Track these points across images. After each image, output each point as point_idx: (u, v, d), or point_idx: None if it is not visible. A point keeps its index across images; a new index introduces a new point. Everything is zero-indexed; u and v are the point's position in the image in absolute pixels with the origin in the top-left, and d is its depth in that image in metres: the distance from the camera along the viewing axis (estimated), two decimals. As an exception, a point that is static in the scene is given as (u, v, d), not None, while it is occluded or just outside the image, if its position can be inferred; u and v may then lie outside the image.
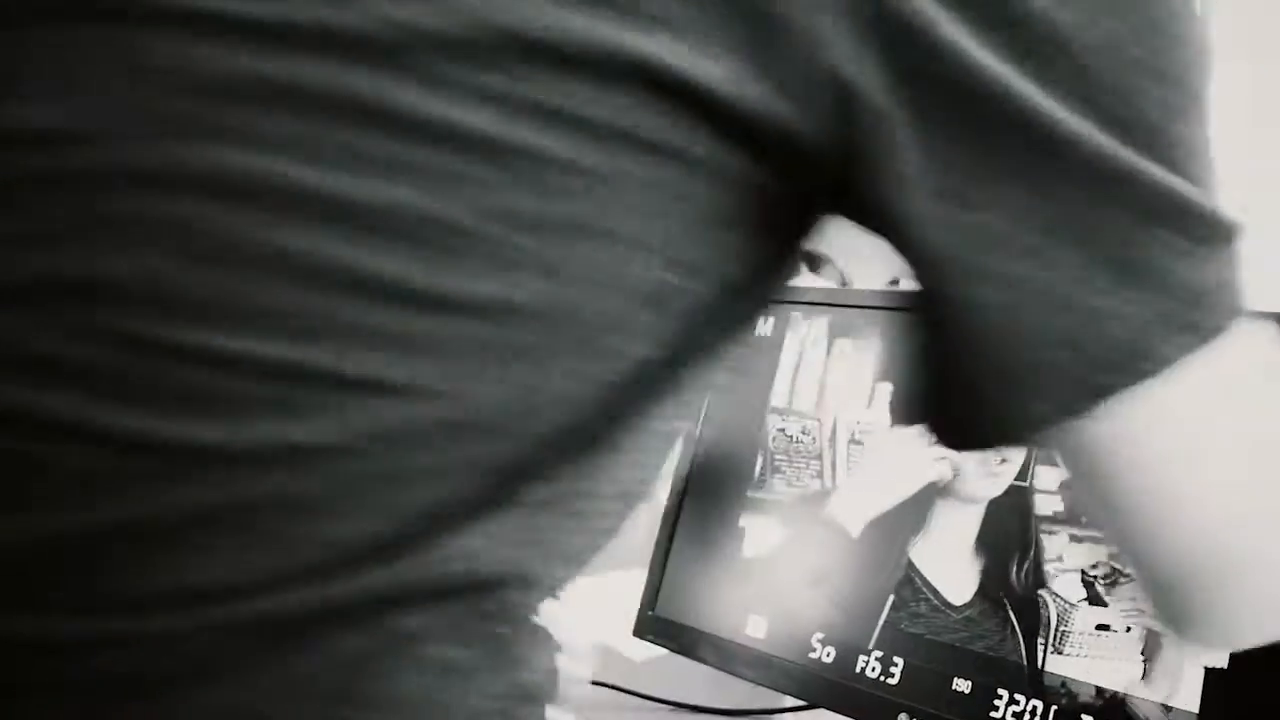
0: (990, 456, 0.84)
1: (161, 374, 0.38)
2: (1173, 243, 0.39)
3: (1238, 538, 0.43)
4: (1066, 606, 0.78)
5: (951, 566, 0.84)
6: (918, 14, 0.37)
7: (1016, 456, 0.84)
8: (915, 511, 0.88)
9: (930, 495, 0.87)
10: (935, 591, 0.84)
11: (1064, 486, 0.80)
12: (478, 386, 0.39)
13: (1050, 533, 0.80)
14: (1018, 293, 0.39)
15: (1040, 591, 0.79)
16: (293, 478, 0.38)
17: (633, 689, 1.14)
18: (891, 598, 0.86)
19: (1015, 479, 0.84)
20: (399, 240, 0.38)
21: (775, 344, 1.01)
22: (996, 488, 0.84)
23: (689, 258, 0.42)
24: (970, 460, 0.85)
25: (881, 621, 0.86)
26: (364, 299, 0.38)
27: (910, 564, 0.86)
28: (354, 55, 0.37)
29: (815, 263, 2.29)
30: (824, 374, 0.97)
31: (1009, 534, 0.82)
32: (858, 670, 0.86)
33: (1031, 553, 0.81)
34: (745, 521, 0.97)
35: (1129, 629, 0.75)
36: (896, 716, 0.83)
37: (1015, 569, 0.81)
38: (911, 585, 0.86)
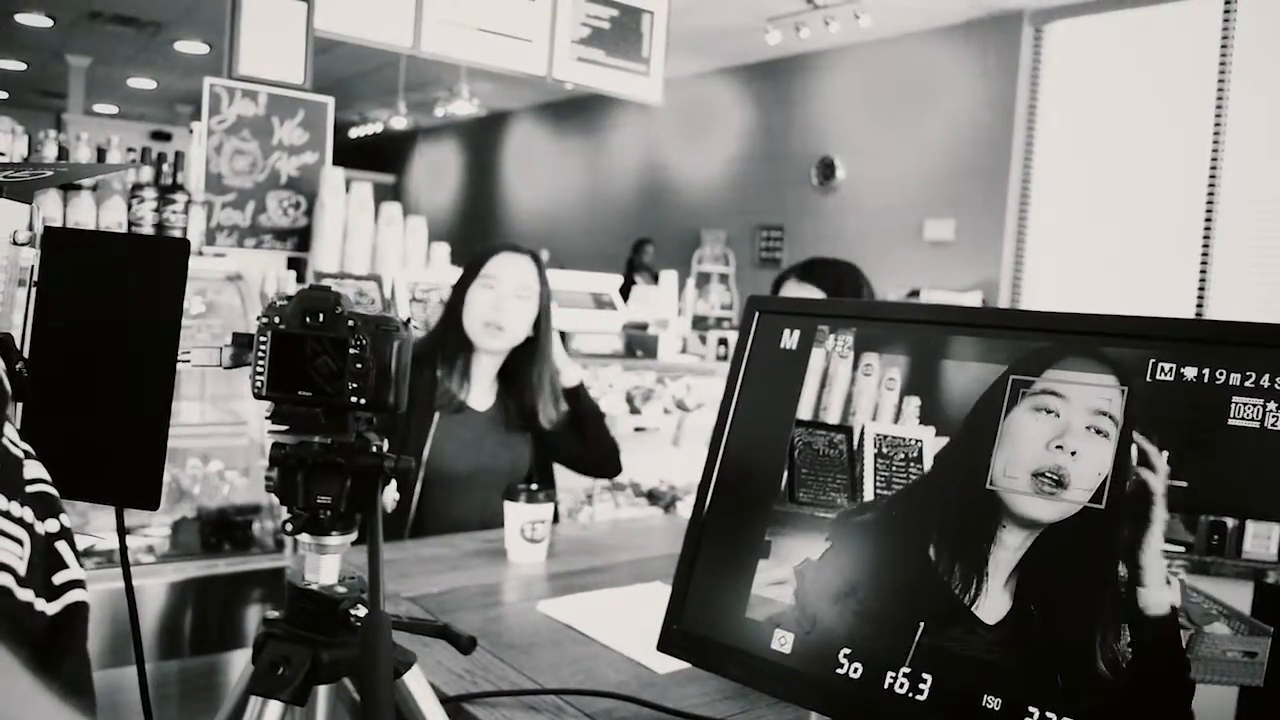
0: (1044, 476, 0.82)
1: None
2: None
3: None
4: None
5: (987, 586, 0.83)
6: None
7: (1080, 480, 0.81)
8: (951, 529, 0.87)
9: (969, 513, 0.86)
10: (967, 610, 0.83)
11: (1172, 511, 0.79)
12: None
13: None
14: None
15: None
16: None
17: (657, 703, 1.14)
18: (926, 614, 0.85)
19: (1091, 500, 0.80)
20: None
21: (801, 357, 1.00)
22: (1056, 511, 0.82)
23: None
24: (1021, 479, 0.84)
25: (916, 639, 0.85)
26: None
27: (942, 579, 0.85)
28: None
29: (815, 276, 2.27)
30: (850, 387, 0.97)
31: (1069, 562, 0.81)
32: (885, 687, 0.85)
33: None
34: (771, 535, 0.96)
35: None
36: (925, 734, 0.82)
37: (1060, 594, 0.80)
38: (943, 602, 0.85)
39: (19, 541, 0.55)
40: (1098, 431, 0.81)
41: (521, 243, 2.26)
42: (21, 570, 0.55)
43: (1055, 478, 0.81)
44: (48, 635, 0.57)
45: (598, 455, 2.24)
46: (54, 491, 0.61)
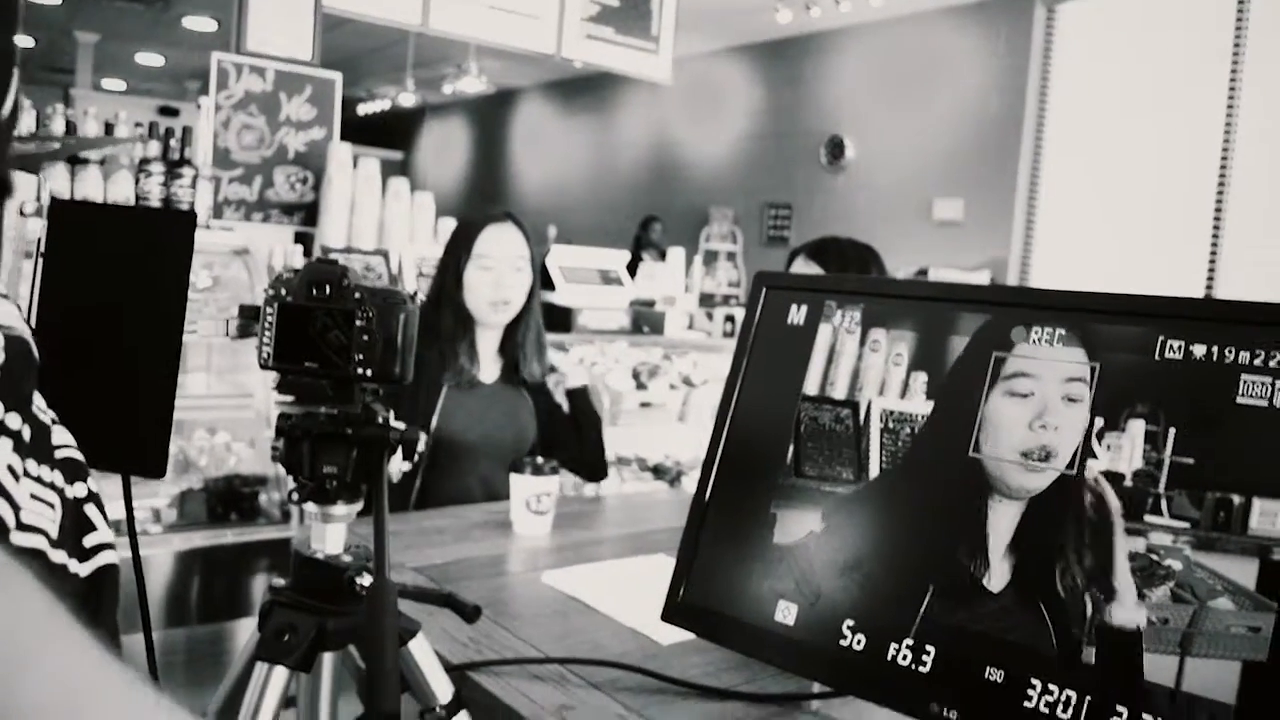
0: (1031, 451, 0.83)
1: None
2: None
3: None
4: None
5: (989, 556, 0.83)
6: None
7: (1063, 450, 0.82)
8: (952, 502, 0.87)
9: (967, 486, 0.86)
10: (974, 580, 0.84)
11: (1136, 477, 0.79)
12: None
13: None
14: None
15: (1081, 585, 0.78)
16: None
17: (660, 673, 1.14)
18: (931, 586, 0.86)
19: (1065, 467, 0.82)
20: None
21: (808, 333, 1.00)
22: (1040, 482, 0.83)
23: None
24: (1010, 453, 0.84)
25: (921, 611, 0.85)
26: None
27: (946, 550, 0.86)
28: None
29: (824, 257, 2.27)
30: (857, 363, 0.97)
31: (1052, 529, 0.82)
32: (888, 658, 0.85)
33: (1076, 547, 0.80)
34: (776, 508, 0.97)
35: (1166, 620, 0.75)
36: (927, 705, 0.82)
37: (1059, 564, 0.81)
38: (949, 573, 0.85)
39: (50, 505, 0.56)
40: (1070, 400, 0.83)
41: (526, 219, 2.25)
42: (54, 533, 0.56)
43: (1044, 453, 0.83)
44: (81, 597, 0.58)
45: (590, 458, 2.29)
46: (80, 456, 0.61)
